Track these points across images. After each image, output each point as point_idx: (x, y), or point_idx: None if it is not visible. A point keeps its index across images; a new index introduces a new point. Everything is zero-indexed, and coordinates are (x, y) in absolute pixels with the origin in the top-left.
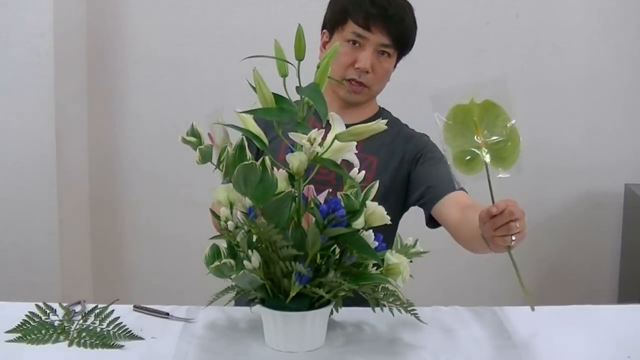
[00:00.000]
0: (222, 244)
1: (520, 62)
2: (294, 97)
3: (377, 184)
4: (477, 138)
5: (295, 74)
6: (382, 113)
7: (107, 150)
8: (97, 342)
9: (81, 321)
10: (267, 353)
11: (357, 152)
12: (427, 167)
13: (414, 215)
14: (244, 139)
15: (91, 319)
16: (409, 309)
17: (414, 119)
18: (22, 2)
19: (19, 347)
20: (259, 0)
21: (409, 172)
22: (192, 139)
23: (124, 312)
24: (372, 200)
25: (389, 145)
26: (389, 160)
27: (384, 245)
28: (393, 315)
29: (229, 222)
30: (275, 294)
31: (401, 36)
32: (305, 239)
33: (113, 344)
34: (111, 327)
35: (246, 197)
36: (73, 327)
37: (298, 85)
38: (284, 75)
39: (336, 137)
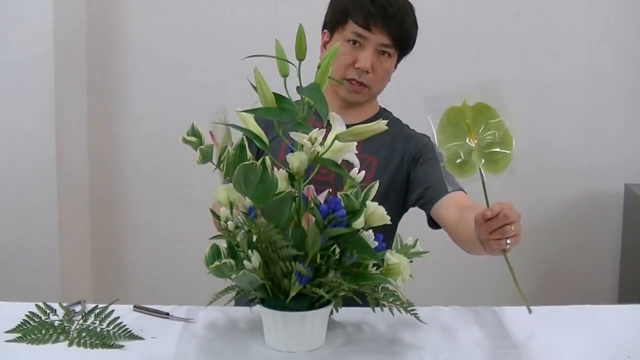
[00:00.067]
0: (222, 244)
1: (520, 62)
2: (295, 97)
3: (377, 184)
4: (469, 140)
5: (295, 74)
6: (382, 113)
7: (107, 150)
8: (97, 342)
9: (81, 321)
10: (267, 353)
11: (356, 152)
12: (426, 168)
13: (414, 216)
14: (245, 138)
15: (91, 319)
16: (409, 309)
17: (414, 119)
18: (22, 2)
19: (19, 347)
20: (260, 0)
21: (408, 173)
22: (193, 138)
23: (124, 312)
24: (372, 200)
25: (389, 146)
26: (389, 161)
27: (383, 245)
28: (393, 315)
29: (229, 222)
30: (275, 294)
31: (401, 36)
32: (305, 239)
33: (113, 344)
34: (111, 327)
35: (246, 197)
36: (73, 327)
37: (299, 85)
38: (285, 75)
39: (336, 137)
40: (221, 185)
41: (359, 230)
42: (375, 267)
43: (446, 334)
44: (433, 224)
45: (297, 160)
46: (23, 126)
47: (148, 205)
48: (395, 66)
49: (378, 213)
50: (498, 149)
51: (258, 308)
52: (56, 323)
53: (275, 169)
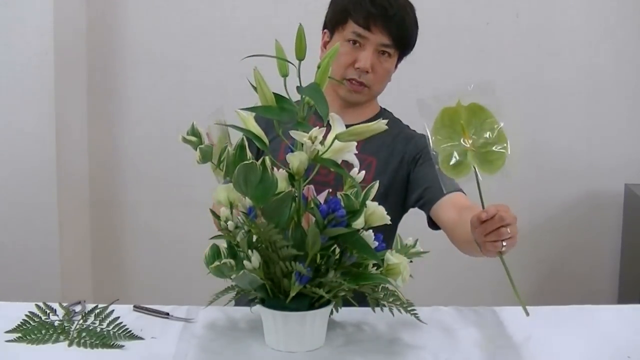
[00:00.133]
0: (222, 244)
1: (520, 62)
2: (295, 97)
3: (377, 184)
4: (463, 141)
5: (295, 74)
6: (383, 113)
7: (107, 150)
8: (97, 342)
9: (81, 321)
10: (267, 353)
11: (356, 152)
12: (425, 168)
13: (414, 216)
14: (244, 138)
15: (91, 319)
16: (409, 309)
17: (414, 119)
18: (22, 2)
19: (19, 347)
20: (260, 0)
21: (408, 173)
22: (193, 138)
23: (124, 312)
24: (372, 200)
25: (389, 146)
26: (389, 161)
27: (383, 245)
28: (393, 315)
29: (229, 222)
30: (275, 294)
31: (402, 36)
32: (305, 239)
33: (113, 344)
34: (111, 327)
35: (246, 197)
36: (73, 327)
37: (299, 85)
38: (285, 75)
39: (336, 137)
40: (221, 185)
41: (359, 230)
42: (375, 267)
43: (446, 334)
44: (433, 224)
45: (297, 160)
46: (23, 126)
47: (148, 205)
48: (396, 66)
49: (378, 213)
50: (493, 149)
51: (258, 308)
52: (56, 323)
53: (275, 169)
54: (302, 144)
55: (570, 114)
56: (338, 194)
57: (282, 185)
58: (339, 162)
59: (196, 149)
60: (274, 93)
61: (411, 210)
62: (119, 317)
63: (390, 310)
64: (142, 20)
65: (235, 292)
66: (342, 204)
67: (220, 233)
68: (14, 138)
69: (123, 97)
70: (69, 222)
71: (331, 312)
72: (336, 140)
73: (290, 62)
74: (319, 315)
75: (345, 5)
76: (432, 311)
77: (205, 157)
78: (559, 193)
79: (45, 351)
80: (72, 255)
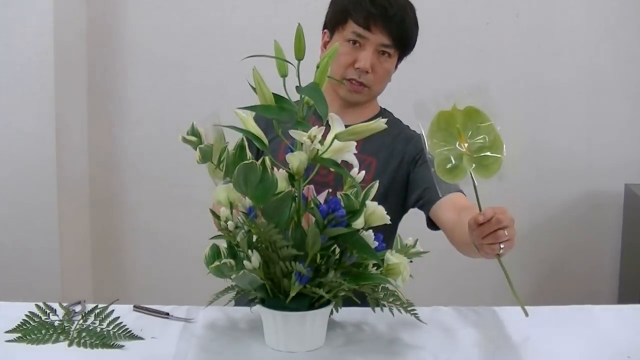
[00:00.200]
0: (222, 244)
1: (520, 62)
2: (294, 97)
3: (377, 184)
4: (459, 145)
5: (295, 74)
6: (383, 114)
7: (107, 150)
8: (97, 342)
9: (81, 321)
10: (267, 353)
11: (356, 152)
12: (425, 169)
13: (414, 216)
14: (244, 138)
15: (91, 319)
16: (409, 309)
17: (414, 120)
18: (22, 2)
19: (19, 347)
20: (260, 1)
21: (408, 173)
22: (193, 138)
23: (124, 312)
24: (372, 201)
25: (388, 147)
26: (389, 162)
27: (383, 245)
28: (393, 315)
29: (229, 222)
30: (275, 294)
31: (402, 36)
32: (305, 239)
33: (113, 344)
34: (111, 327)
35: (246, 197)
36: (73, 327)
37: (298, 85)
38: (284, 75)
39: (335, 137)
40: (221, 185)
41: (359, 230)
42: (375, 267)
43: (446, 334)
44: (432, 224)
45: (296, 160)
46: (23, 126)
47: (148, 205)
48: (396, 67)
49: (378, 213)
50: (489, 153)
51: (258, 308)
52: (56, 323)
53: (275, 169)
54: (302, 144)
55: (570, 114)
56: (338, 194)
57: (282, 185)
58: (339, 162)
59: (196, 149)
60: (273, 93)
61: (411, 210)
62: (119, 317)
63: (390, 310)
64: (142, 20)
65: (235, 292)
66: (342, 204)
67: (220, 233)
68: (14, 138)
69: (123, 97)
70: (69, 222)
71: (331, 312)
72: (336, 140)
73: (290, 62)
74: (319, 315)
75: (345, 5)
76: (432, 311)
77: (205, 157)
78: (559, 193)
79: (45, 351)
80: (72, 255)
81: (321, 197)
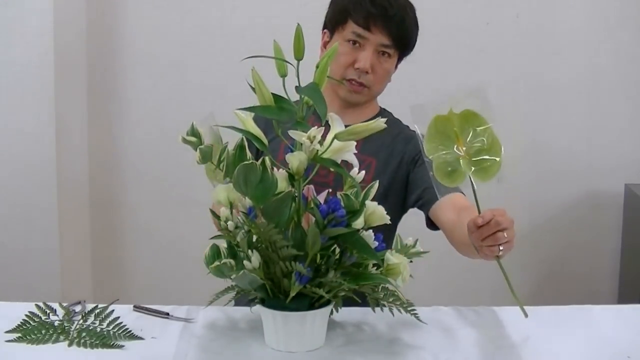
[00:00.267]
0: (222, 244)
1: (520, 62)
2: (294, 97)
3: (377, 184)
4: (456, 148)
5: (294, 74)
6: (382, 114)
7: (107, 150)
8: (97, 342)
9: (81, 321)
10: (267, 353)
11: (356, 152)
12: (425, 169)
13: (414, 216)
14: (244, 139)
15: (91, 319)
16: (409, 309)
17: (412, 123)
18: (22, 2)
19: (19, 347)
20: (259, 0)
21: (407, 174)
22: (193, 139)
23: (124, 312)
24: (371, 201)
25: (388, 147)
26: (388, 162)
27: (383, 245)
28: (393, 315)
29: (229, 222)
30: (275, 294)
31: (402, 36)
32: (305, 239)
33: (113, 344)
34: (111, 327)
35: (246, 197)
36: (73, 327)
37: (297, 85)
38: (284, 75)
39: (335, 137)
40: (221, 185)
41: (359, 230)
42: (375, 267)
43: (446, 334)
44: (431, 224)
45: (296, 160)
46: (23, 126)
47: (148, 205)
48: (396, 67)
49: (378, 213)
50: (487, 156)
51: (258, 308)
52: (56, 323)
53: (275, 169)
54: (302, 144)
55: (570, 114)
56: (338, 194)
57: (282, 185)
58: (339, 161)
59: (196, 150)
60: (272, 93)
61: (411, 210)
62: (119, 317)
63: (390, 310)
64: (142, 20)
65: (235, 292)
66: (342, 204)
67: (220, 233)
68: (14, 138)
69: (123, 97)
70: (69, 221)
71: (331, 312)
72: (335, 140)
73: (289, 62)
74: (319, 315)
75: (345, 6)
76: (432, 311)
77: (205, 157)
78: (559, 193)
79: (45, 351)
80: (72, 255)
81: (321, 197)
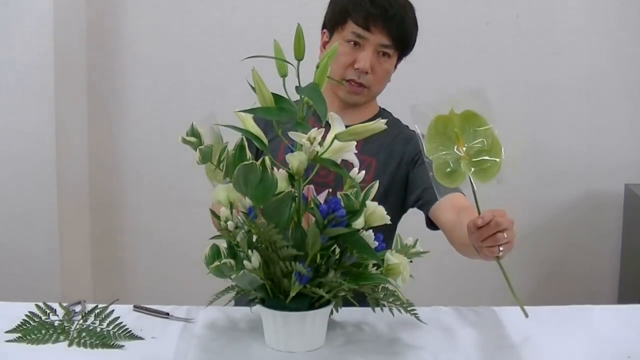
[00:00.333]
0: (222, 244)
1: (520, 62)
2: (294, 97)
3: (377, 184)
4: (457, 149)
5: (294, 74)
6: (382, 114)
7: (107, 150)
8: (97, 342)
9: (81, 321)
10: (267, 353)
11: (356, 152)
12: (424, 169)
13: (414, 216)
14: (244, 139)
15: (91, 319)
16: (409, 309)
17: (412, 123)
18: (22, 2)
19: (19, 347)
20: (259, 0)
21: (407, 174)
22: (192, 139)
23: (124, 312)
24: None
25: (388, 147)
26: (388, 162)
27: (384, 245)
28: (393, 315)
29: (229, 222)
30: (275, 294)
31: (401, 37)
32: (305, 239)
33: (113, 344)
34: (111, 327)
35: (246, 197)
36: (73, 327)
37: (297, 85)
38: (284, 75)
39: (335, 137)
40: (221, 185)
41: (359, 230)
42: (375, 267)
43: (446, 334)
44: (431, 224)
45: (296, 160)
46: (23, 126)
47: (148, 206)
48: (395, 67)
49: (378, 213)
50: (487, 157)
51: (258, 308)
52: (56, 323)
53: (275, 169)
54: (302, 145)
55: (570, 114)
56: (338, 194)
57: (282, 185)
58: (339, 162)
59: (196, 150)
60: (273, 93)
61: (411, 210)
62: (119, 317)
63: (390, 310)
64: (142, 20)
65: (235, 292)
66: (342, 204)
67: (218, 233)
68: (14, 138)
69: (123, 98)
70: (69, 222)
71: (331, 312)
72: (335, 140)
73: (289, 63)
74: (319, 315)
75: (345, 6)
76: (432, 311)
77: (205, 157)
78: (559, 193)
79: (45, 351)
80: (72, 255)
81: (321, 197)
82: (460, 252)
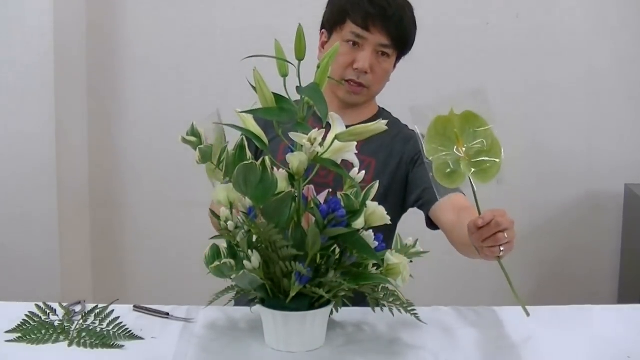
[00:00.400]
0: (222, 244)
1: (520, 62)
2: (294, 97)
3: (377, 184)
4: (456, 150)
5: (295, 74)
6: (381, 113)
7: (107, 150)
8: (97, 342)
9: (81, 321)
10: (267, 353)
11: (356, 152)
12: (424, 169)
13: (414, 216)
14: (244, 138)
15: (91, 319)
16: (409, 309)
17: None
18: (22, 2)
19: (19, 347)
20: (259, 0)
21: (407, 174)
22: (193, 138)
23: (124, 312)
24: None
25: (387, 147)
26: (388, 162)
27: (383, 245)
28: (393, 315)
29: (229, 222)
30: (275, 294)
31: (400, 36)
32: (305, 239)
33: (113, 344)
34: (111, 327)
35: (246, 197)
36: (73, 327)
37: (298, 85)
38: (285, 75)
39: (336, 137)
40: (221, 185)
41: (359, 230)
42: (375, 267)
43: (446, 334)
44: (431, 224)
45: (296, 160)
46: (23, 126)
47: (148, 206)
48: (394, 66)
49: (378, 213)
50: (487, 158)
51: (258, 308)
52: (56, 323)
53: (275, 169)
54: (302, 145)
55: (570, 115)
56: (338, 194)
57: (282, 185)
58: (339, 162)
59: (196, 150)
60: (273, 93)
61: (411, 210)
62: (119, 317)
63: (390, 310)
64: (142, 20)
65: (235, 292)
66: (342, 204)
67: (218, 233)
68: (14, 138)
69: (122, 97)
70: (69, 222)
71: (331, 312)
72: (336, 141)
73: (290, 62)
74: (319, 315)
75: (344, 6)
76: (432, 311)
77: (205, 157)
78: (559, 194)
79: (45, 351)
80: (72, 255)
81: (321, 198)
82: (460, 252)
